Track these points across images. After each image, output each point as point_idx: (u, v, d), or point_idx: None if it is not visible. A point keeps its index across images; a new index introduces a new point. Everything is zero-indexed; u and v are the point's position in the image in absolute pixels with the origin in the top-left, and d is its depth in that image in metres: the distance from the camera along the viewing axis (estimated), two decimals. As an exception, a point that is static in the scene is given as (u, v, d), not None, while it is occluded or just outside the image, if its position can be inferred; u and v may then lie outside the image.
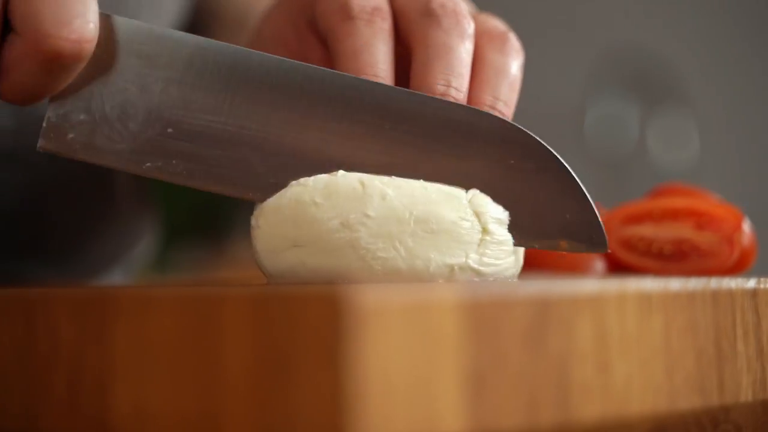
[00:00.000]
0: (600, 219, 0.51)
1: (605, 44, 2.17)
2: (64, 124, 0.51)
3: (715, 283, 0.47)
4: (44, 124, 0.51)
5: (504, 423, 0.39)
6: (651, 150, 2.19)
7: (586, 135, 2.16)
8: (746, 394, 0.48)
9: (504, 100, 0.54)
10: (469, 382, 0.38)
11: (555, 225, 0.51)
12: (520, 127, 0.52)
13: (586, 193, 0.52)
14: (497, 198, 0.51)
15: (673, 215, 0.62)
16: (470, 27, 0.55)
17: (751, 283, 0.49)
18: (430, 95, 0.52)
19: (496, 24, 0.57)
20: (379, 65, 0.53)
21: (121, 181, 0.78)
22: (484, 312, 0.39)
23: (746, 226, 0.62)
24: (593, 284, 0.43)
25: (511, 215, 0.51)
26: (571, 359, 0.41)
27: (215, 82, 0.51)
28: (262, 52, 0.52)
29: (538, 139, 0.52)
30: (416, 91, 0.52)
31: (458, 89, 0.53)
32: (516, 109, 0.55)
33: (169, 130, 0.51)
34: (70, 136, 0.51)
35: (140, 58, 0.51)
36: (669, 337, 0.45)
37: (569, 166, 0.52)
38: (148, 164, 0.51)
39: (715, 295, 0.47)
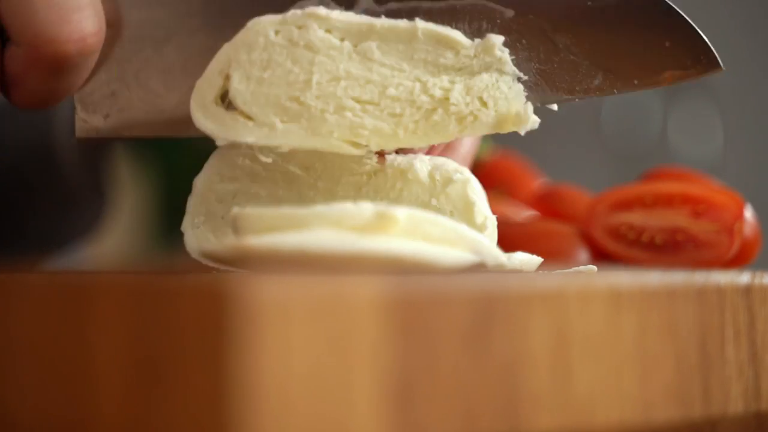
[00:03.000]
0: (703, 36, 0.47)
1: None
2: (94, 109, 0.47)
3: (700, 277, 0.41)
4: (76, 114, 0.47)
5: (436, 439, 0.33)
6: (671, 142, 2.12)
7: (603, 125, 2.09)
8: (736, 404, 0.42)
9: None
10: (392, 392, 0.32)
11: (655, 56, 0.47)
12: None
13: (681, 13, 0.47)
14: (582, 41, 0.47)
15: (667, 201, 0.56)
16: None
17: (744, 277, 0.43)
18: None
19: None
20: None
21: (72, 167, 0.73)
22: (412, 310, 0.33)
23: (748, 215, 0.55)
24: (550, 278, 0.37)
25: (600, 58, 0.47)
26: (520, 365, 0.35)
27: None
28: None
29: None
30: None
31: None
32: None
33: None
34: (105, 119, 0.47)
35: (154, 11, 0.47)
36: (643, 339, 0.39)
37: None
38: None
39: (701, 292, 0.41)
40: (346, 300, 0.31)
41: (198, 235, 0.48)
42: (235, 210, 0.45)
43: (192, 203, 0.49)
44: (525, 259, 0.46)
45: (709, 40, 0.47)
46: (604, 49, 0.47)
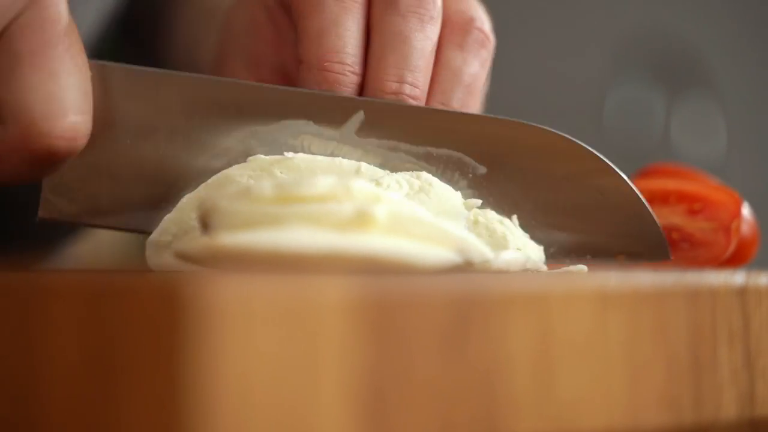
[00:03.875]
0: (660, 227, 0.48)
1: (627, 27, 2.08)
2: (61, 192, 0.47)
3: (692, 277, 0.39)
4: (42, 196, 0.46)
5: (410, 447, 0.31)
6: (675, 141, 2.10)
7: (606, 125, 2.07)
8: (728, 411, 0.40)
9: (457, 107, 0.49)
10: (363, 399, 0.30)
11: (610, 238, 0.48)
12: (558, 132, 0.48)
13: (643, 200, 0.48)
14: (542, 213, 0.48)
15: (662, 199, 0.54)
16: (435, 8, 0.49)
17: (738, 278, 0.41)
18: (381, 94, 0.48)
19: (462, 8, 0.51)
20: (347, 50, 0.48)
21: None
22: (385, 312, 0.31)
23: (746, 213, 0.54)
24: (532, 278, 0.35)
25: (564, 229, 0.48)
26: (500, 370, 0.33)
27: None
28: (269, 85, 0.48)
29: (580, 143, 0.48)
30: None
31: (413, 85, 0.48)
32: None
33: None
34: (70, 203, 0.47)
35: (139, 105, 0.47)
36: (631, 342, 0.37)
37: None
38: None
39: (693, 293, 0.39)
40: (312, 301, 0.29)
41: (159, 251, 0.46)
42: (206, 202, 0.43)
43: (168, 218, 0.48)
44: (512, 258, 0.44)
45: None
46: (563, 223, 0.48)
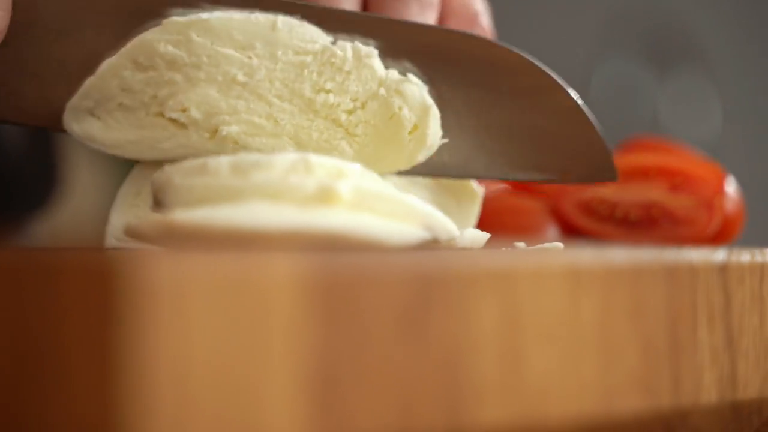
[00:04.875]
0: (607, 145, 0.47)
1: (614, 0, 2.06)
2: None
3: (671, 254, 0.37)
4: None
5: (365, 436, 0.29)
6: (665, 122, 2.08)
7: (592, 104, 2.05)
8: (709, 394, 0.38)
9: None
10: (312, 384, 0.28)
11: (558, 155, 0.46)
12: (511, 48, 0.47)
13: (590, 118, 0.47)
14: (492, 128, 0.46)
15: (643, 174, 0.52)
16: None
17: (719, 255, 0.39)
18: None
19: (465, 1, 0.50)
20: None
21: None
22: (337, 290, 0.29)
23: (730, 189, 0.52)
24: (499, 255, 0.33)
25: (508, 146, 0.46)
26: (463, 352, 0.31)
27: None
28: None
29: (532, 60, 0.47)
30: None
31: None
32: None
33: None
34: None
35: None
36: (605, 322, 0.35)
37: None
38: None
39: (671, 270, 0.37)
40: (257, 279, 0.27)
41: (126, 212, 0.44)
42: (160, 177, 0.41)
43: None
44: (476, 236, 0.42)
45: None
46: (511, 137, 0.46)
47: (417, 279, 0.30)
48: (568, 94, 0.46)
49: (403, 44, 0.45)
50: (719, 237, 0.52)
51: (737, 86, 2.13)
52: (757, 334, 0.40)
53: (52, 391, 0.26)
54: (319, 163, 0.40)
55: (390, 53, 0.45)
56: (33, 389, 0.27)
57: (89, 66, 0.45)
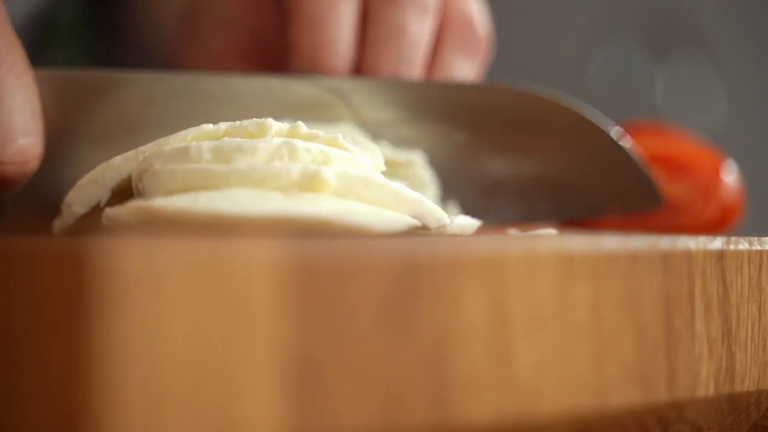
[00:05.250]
0: (647, 173, 0.48)
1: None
2: (23, 206, 0.45)
3: (667, 241, 0.36)
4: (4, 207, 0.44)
5: (347, 428, 0.28)
6: (666, 108, 2.06)
7: (589, 88, 2.03)
8: (706, 386, 0.37)
9: None
10: (290, 376, 0.27)
11: (599, 190, 0.47)
12: (536, 92, 0.47)
13: (628, 151, 0.47)
14: (531, 172, 0.47)
15: (638, 161, 0.51)
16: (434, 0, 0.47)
17: (716, 243, 0.38)
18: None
19: (463, 7, 0.49)
20: (341, 38, 0.46)
21: None
22: (316, 277, 0.28)
23: (728, 176, 0.50)
24: (488, 241, 0.31)
25: (551, 189, 0.47)
26: (450, 343, 0.30)
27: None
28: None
29: (557, 101, 0.47)
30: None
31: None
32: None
33: None
34: (33, 211, 0.45)
35: (96, 109, 0.45)
36: (599, 312, 0.34)
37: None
38: None
39: (667, 258, 0.36)
40: (233, 266, 0.26)
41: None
42: (142, 166, 0.40)
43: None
44: (466, 223, 0.41)
45: None
46: (546, 185, 0.47)
47: (400, 265, 0.29)
48: (601, 130, 0.47)
49: (437, 104, 0.45)
50: (717, 225, 0.50)
51: (741, 72, 2.11)
52: (756, 325, 0.39)
53: (24, 379, 0.25)
54: (304, 149, 0.39)
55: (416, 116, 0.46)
56: (4, 377, 0.25)
57: None
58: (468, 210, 0.46)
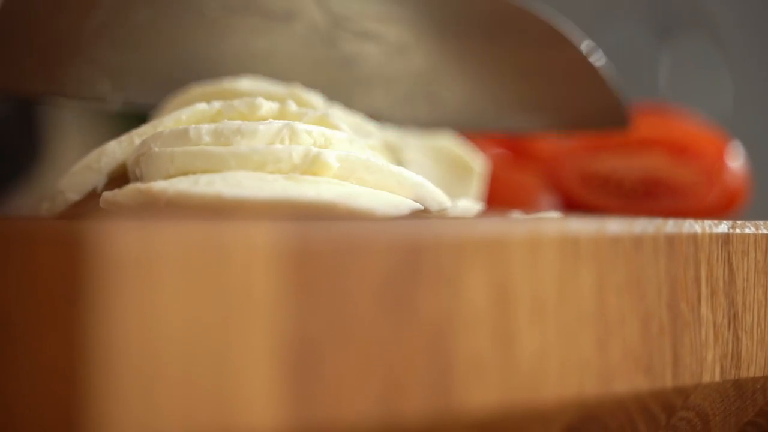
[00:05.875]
0: (616, 93, 0.47)
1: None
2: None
3: (672, 225, 0.36)
4: None
5: (347, 415, 0.28)
6: (671, 91, 2.05)
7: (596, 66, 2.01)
8: (712, 372, 0.36)
9: None
10: (289, 360, 0.27)
11: (567, 104, 0.47)
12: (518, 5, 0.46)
13: (597, 67, 0.46)
14: (501, 80, 0.46)
15: (643, 144, 0.50)
16: None
17: (722, 226, 0.37)
18: None
19: None
20: None
21: None
22: (316, 260, 0.27)
23: (732, 158, 0.50)
24: (491, 223, 0.31)
25: (516, 97, 0.46)
26: (452, 328, 0.30)
27: None
28: None
29: (533, 10, 0.47)
30: None
31: None
32: None
33: None
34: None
35: None
36: (603, 297, 0.33)
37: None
38: None
39: (672, 242, 0.35)
40: (231, 249, 0.26)
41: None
42: (140, 150, 0.39)
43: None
44: (469, 207, 0.40)
45: None
46: (523, 90, 0.46)
47: (401, 248, 0.29)
48: (574, 46, 0.46)
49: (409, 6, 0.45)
50: (722, 208, 0.50)
51: (746, 54, 2.09)
52: (762, 310, 0.38)
53: (19, 361, 0.25)
54: (305, 131, 0.39)
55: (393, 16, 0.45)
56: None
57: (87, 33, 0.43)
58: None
